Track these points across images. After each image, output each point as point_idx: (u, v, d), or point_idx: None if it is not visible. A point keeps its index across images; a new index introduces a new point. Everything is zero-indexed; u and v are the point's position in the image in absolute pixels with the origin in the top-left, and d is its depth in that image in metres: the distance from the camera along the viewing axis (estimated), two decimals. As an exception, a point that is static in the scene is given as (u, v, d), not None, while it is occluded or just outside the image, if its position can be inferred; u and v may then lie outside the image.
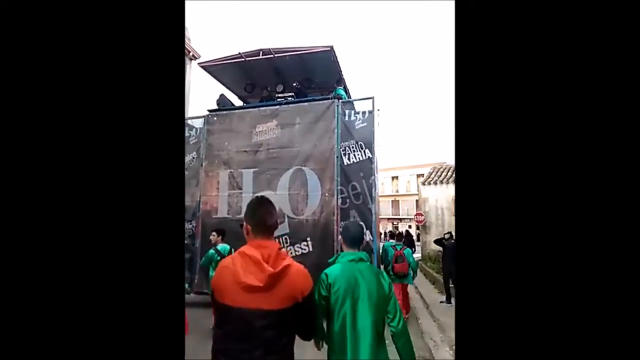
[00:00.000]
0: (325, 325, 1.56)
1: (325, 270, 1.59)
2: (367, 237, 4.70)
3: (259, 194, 4.97)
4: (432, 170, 12.66)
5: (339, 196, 4.86)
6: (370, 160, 4.89)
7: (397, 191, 29.01)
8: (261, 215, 1.23)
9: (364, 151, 4.93)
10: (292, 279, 1.15)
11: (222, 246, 3.83)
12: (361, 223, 2.11)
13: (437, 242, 6.47)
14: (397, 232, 5.24)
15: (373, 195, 4.79)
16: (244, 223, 1.25)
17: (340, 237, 1.78)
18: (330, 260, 1.71)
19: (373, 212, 4.73)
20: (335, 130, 5.07)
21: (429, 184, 12.02)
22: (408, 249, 4.81)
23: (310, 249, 4.80)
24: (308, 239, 4.84)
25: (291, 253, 4.86)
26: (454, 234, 6.23)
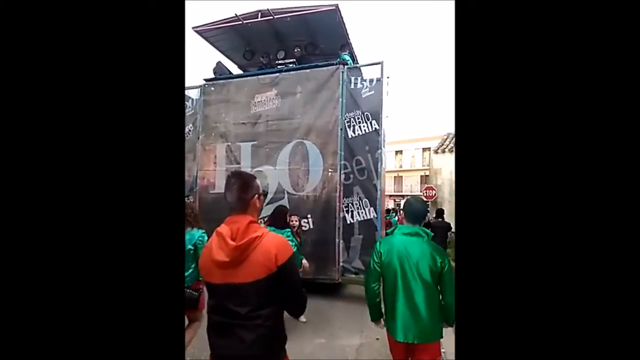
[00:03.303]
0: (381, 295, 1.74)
1: (380, 239, 1.83)
2: (372, 214, 4.48)
3: (244, 169, 4.69)
4: (446, 136, 11.00)
5: (342, 171, 4.57)
6: (377, 133, 4.53)
7: (401, 166, 28.54)
8: (228, 191, 1.24)
9: (370, 122, 4.56)
10: (262, 249, 1.14)
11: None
12: (425, 200, 2.01)
13: (425, 225, 6.72)
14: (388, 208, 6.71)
15: (379, 170, 4.49)
16: None
17: (401, 211, 1.92)
18: (388, 232, 1.83)
19: (378, 188, 4.46)
20: (340, 99, 4.69)
21: (443, 152, 10.38)
22: (395, 218, 6.71)
23: (311, 226, 4.59)
24: (309, 215, 4.62)
25: (291, 230, 4.68)
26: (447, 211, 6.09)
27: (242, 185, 1.24)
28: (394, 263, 1.65)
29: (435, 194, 10.80)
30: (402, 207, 1.90)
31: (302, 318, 3.56)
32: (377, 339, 3.15)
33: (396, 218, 6.38)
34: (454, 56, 0.87)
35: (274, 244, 1.16)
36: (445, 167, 10.30)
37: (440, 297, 1.65)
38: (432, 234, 1.79)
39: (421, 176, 25.09)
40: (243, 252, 1.13)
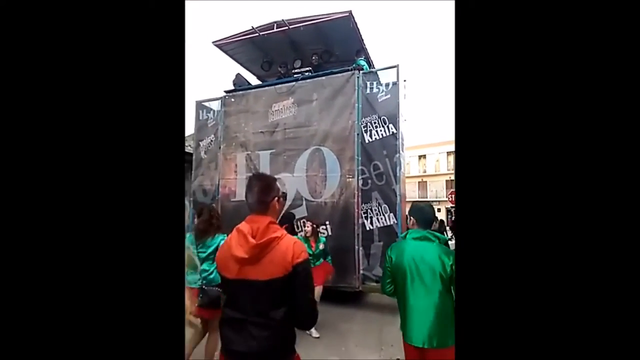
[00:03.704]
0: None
1: (392, 244, 1.84)
2: (392, 220, 4.37)
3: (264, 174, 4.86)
4: None
5: (360, 177, 4.51)
6: (394, 137, 4.44)
7: (425, 171, 27.81)
8: (250, 193, 1.28)
9: (388, 126, 4.48)
10: (280, 249, 1.18)
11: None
12: (432, 205, 2.00)
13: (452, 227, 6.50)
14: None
15: (397, 175, 4.38)
16: None
17: (411, 217, 1.84)
18: (401, 236, 1.95)
19: (397, 193, 4.34)
20: (356, 104, 4.66)
21: None
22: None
23: (329, 233, 4.55)
24: (327, 222, 4.59)
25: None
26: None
27: (263, 188, 1.28)
28: (403, 267, 1.67)
29: (461, 199, 10.37)
30: (408, 212, 1.89)
31: (315, 333, 3.46)
32: (398, 359, 2.91)
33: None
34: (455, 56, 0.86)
35: (291, 245, 1.21)
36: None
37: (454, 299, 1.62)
38: (445, 237, 1.80)
39: (446, 181, 24.31)
40: (262, 250, 1.17)
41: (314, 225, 3.79)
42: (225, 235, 2.62)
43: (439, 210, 22.00)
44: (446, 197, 14.52)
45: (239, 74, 6.38)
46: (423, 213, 1.79)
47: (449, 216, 15.79)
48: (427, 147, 27.24)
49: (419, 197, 26.18)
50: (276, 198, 1.30)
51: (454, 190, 11.07)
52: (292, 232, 3.51)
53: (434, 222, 1.86)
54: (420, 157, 27.95)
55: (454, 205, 11.74)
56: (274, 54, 6.29)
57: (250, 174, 5.25)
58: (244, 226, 1.24)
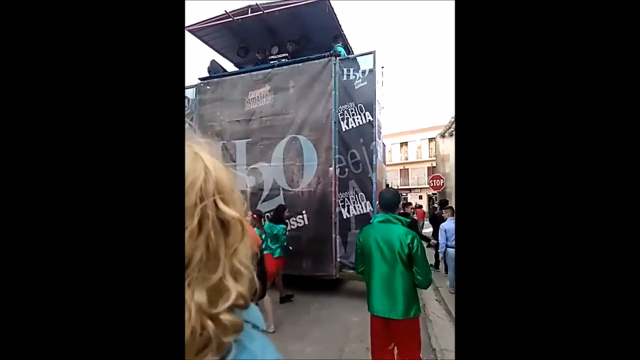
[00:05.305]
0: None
1: (362, 228, 2.09)
2: (368, 208, 4.41)
3: (239, 167, 4.85)
4: (453, 119, 10.33)
5: (337, 166, 4.51)
6: (370, 125, 4.44)
7: (407, 158, 28.19)
8: None
9: (364, 114, 4.47)
10: None
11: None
12: (396, 190, 2.24)
13: (432, 220, 6.46)
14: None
15: (374, 163, 4.41)
16: None
17: (377, 202, 2.14)
18: (371, 220, 2.08)
19: (374, 181, 4.38)
20: (333, 92, 4.61)
21: (451, 135, 9.19)
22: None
23: (306, 222, 4.56)
24: (303, 211, 4.59)
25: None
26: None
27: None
28: (370, 248, 1.88)
29: (443, 184, 9.73)
30: (378, 198, 2.22)
31: (271, 328, 3.29)
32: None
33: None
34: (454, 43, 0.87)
35: (251, 234, 1.38)
36: (454, 152, 9.68)
37: (415, 272, 1.83)
38: (408, 220, 1.99)
39: (428, 167, 24.74)
40: None
41: (254, 216, 3.72)
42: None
43: (420, 197, 22.44)
44: (427, 183, 14.78)
45: (213, 60, 6.16)
46: (383, 199, 2.00)
47: (430, 203, 16.06)
48: (409, 134, 27.48)
49: (400, 185, 26.56)
50: None
51: (435, 175, 10.92)
52: (281, 222, 3.99)
53: (397, 206, 2.04)
54: (402, 144, 28.21)
55: (435, 192, 11.64)
56: (251, 40, 6.09)
57: (227, 164, 5.17)
58: None
